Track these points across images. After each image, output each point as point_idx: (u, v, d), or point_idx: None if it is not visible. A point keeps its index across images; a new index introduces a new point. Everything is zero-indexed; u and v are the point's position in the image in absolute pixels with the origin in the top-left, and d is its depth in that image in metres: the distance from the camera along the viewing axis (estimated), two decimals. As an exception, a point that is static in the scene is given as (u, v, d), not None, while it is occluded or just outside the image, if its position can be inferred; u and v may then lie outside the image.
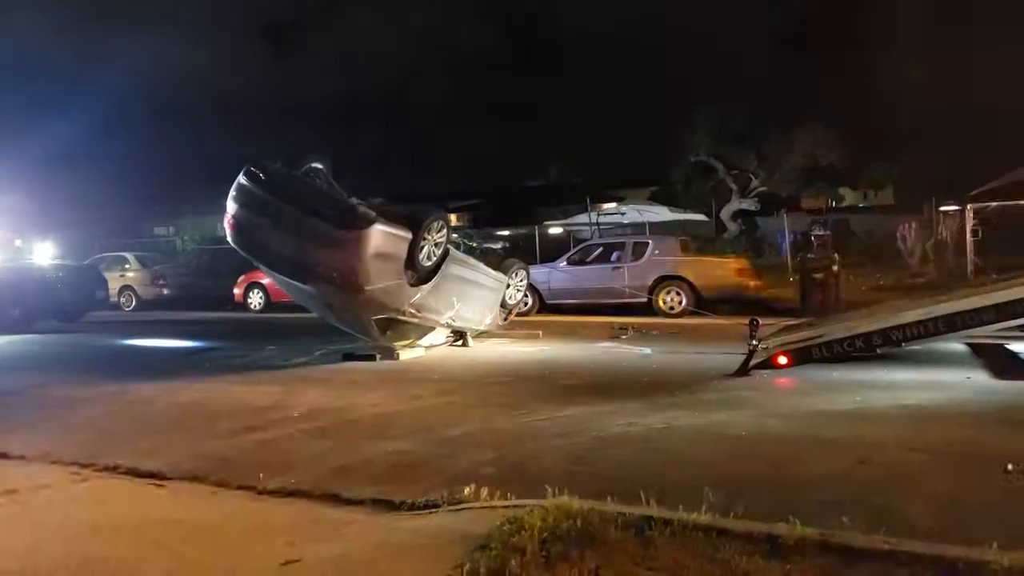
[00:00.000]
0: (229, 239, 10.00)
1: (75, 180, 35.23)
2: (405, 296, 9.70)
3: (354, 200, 9.98)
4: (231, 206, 9.60)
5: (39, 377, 9.52)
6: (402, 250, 9.46)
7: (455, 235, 11.29)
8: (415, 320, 10.20)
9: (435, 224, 9.81)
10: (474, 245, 11.86)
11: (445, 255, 10.10)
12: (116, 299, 20.68)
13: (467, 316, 11.01)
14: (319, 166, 10.19)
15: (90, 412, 7.32)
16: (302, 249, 9.25)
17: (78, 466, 5.35)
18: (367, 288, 9.22)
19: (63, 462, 5.47)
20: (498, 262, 12.11)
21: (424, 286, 9.86)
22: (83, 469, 5.28)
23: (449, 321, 10.76)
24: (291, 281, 10.17)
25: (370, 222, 9.11)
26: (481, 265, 11.37)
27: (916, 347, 8.42)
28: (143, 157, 38.33)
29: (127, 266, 22.07)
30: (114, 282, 20.18)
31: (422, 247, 9.61)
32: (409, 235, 9.46)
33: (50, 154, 34.82)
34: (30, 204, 28.10)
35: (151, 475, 5.10)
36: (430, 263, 9.84)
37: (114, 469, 5.26)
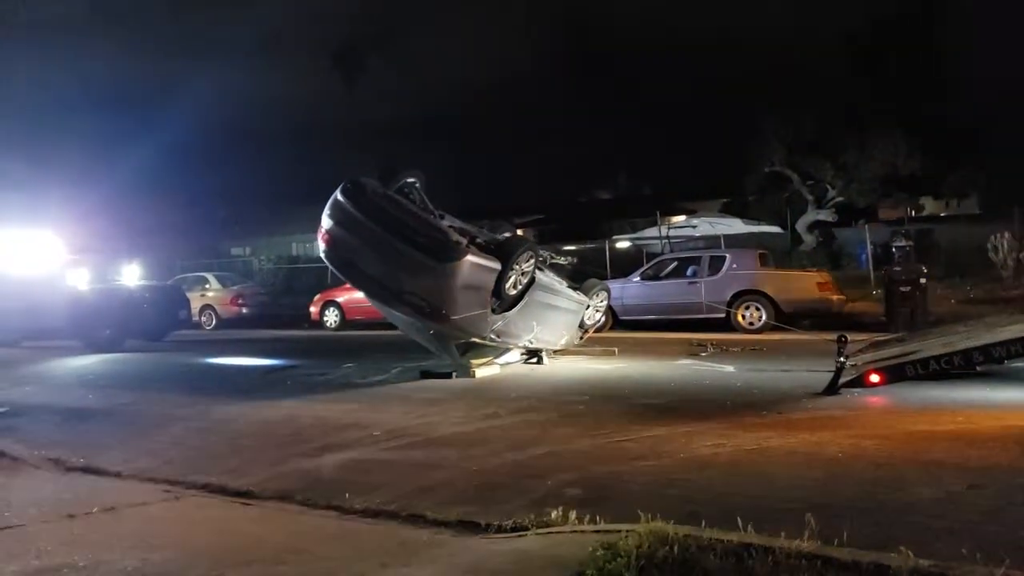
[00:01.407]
0: (321, 254, 10.05)
1: (158, 204, 36.73)
2: (488, 324, 9.61)
3: (446, 221, 9.93)
4: (326, 221, 9.57)
5: (129, 395, 9.88)
6: (490, 281, 9.36)
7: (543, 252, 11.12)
8: (495, 344, 10.17)
9: (524, 255, 9.72)
10: (563, 262, 11.71)
11: (531, 284, 10.02)
12: (197, 318, 21.31)
13: (545, 338, 10.92)
14: (413, 180, 10.13)
15: (178, 430, 7.52)
16: (392, 273, 9.22)
17: (169, 483, 5.51)
18: (453, 318, 9.17)
19: (156, 479, 5.63)
20: (575, 280, 11.94)
21: (508, 313, 9.78)
22: (174, 487, 5.42)
23: (528, 343, 10.71)
24: (377, 302, 10.23)
25: (462, 253, 9.01)
26: (565, 288, 11.19)
27: (1020, 364, 7.96)
28: (220, 181, 39.74)
29: (207, 286, 22.73)
30: (195, 301, 20.81)
31: (509, 277, 9.54)
32: (498, 266, 9.37)
33: (136, 181, 36.50)
34: (118, 228, 29.48)
35: (239, 493, 5.20)
36: (515, 292, 9.78)
37: (204, 487, 5.37)
